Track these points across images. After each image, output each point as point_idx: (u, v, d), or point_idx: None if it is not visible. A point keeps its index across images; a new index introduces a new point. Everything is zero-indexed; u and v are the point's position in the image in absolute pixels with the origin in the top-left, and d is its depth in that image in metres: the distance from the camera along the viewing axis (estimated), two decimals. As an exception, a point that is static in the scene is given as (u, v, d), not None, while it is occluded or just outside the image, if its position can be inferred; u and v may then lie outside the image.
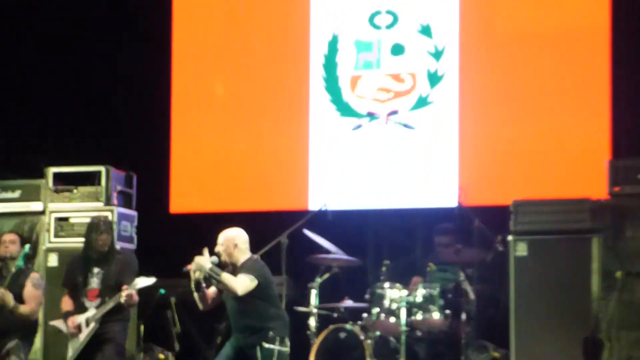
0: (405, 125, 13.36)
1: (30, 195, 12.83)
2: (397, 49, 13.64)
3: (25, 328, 11.20)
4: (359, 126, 13.54)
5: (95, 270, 10.95)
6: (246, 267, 10.44)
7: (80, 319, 10.79)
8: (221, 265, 10.54)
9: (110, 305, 10.73)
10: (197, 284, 10.48)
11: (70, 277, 11.16)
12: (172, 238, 13.35)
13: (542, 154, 12.95)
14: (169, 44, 14.21)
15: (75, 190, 12.88)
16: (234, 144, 14.01)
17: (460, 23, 13.43)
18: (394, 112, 13.47)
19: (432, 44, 13.58)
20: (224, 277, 10.15)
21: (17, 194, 12.85)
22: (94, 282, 10.93)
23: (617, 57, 12.81)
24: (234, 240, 10.66)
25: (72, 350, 10.89)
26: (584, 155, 12.64)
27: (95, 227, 11.14)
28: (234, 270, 10.57)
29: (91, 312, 10.80)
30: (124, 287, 10.67)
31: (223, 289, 10.37)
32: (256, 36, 14.11)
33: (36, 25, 14.48)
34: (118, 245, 11.61)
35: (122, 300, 10.65)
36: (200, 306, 10.76)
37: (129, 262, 11.24)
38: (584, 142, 12.79)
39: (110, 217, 12.01)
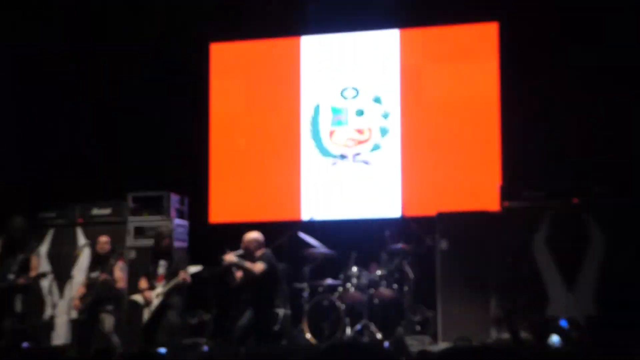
0: (365, 162, 13.38)
1: (117, 211, 12.67)
2: (359, 112, 13.50)
3: (117, 298, 11.33)
4: (335, 163, 13.48)
5: (161, 262, 11.16)
6: (261, 257, 10.70)
7: (152, 294, 10.99)
8: (245, 256, 10.74)
9: (171, 284, 10.92)
10: (228, 269, 10.79)
11: (145, 266, 11.43)
12: (211, 239, 12.89)
13: (457, 182, 12.85)
14: (208, 109, 13.87)
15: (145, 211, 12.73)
16: (251, 177, 13.75)
17: (401, 95, 13.36)
18: (358, 154, 13.43)
19: (382, 109, 13.42)
20: (247, 264, 10.54)
21: (108, 210, 12.69)
22: (160, 270, 11.12)
23: (505, 116, 12.73)
24: (254, 239, 10.91)
25: (146, 314, 11.05)
26: (483, 182, 12.53)
27: (160, 233, 11.39)
28: (253, 259, 10.81)
29: (159, 290, 10.96)
30: (180, 272, 10.91)
31: (246, 271, 10.64)
32: (266, 103, 13.87)
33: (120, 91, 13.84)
34: (176, 244, 11.82)
35: (179, 281, 10.90)
36: (231, 284, 11.00)
37: (183, 256, 11.49)
38: (483, 173, 12.72)
39: (170, 226, 12.05)
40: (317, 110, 13.78)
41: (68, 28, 13.81)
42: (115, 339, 11.01)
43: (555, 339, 9.00)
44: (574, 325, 9.64)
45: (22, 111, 13.83)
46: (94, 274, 11.24)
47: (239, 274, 11.00)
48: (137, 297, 11.31)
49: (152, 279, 11.15)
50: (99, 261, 11.32)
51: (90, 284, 11.22)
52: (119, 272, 11.27)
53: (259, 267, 10.75)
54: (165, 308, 11.05)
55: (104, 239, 11.46)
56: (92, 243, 11.52)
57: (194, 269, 11.05)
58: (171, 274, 11.06)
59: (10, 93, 13.64)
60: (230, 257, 10.74)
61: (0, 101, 13.53)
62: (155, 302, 10.99)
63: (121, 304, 11.50)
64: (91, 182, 13.38)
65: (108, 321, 11.12)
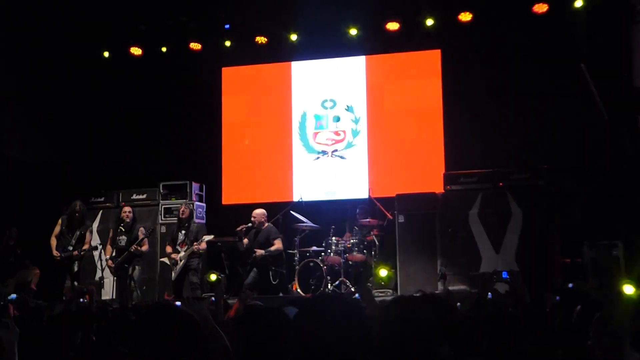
0: (341, 157, 13.41)
1: (151, 196, 12.70)
2: (336, 118, 13.54)
3: (143, 259, 11.37)
4: (318, 157, 13.49)
5: (183, 231, 11.18)
6: (274, 231, 10.95)
7: (177, 256, 11.01)
8: (252, 227, 10.92)
9: (191, 250, 10.93)
10: (240, 238, 10.96)
11: (171, 235, 11.46)
12: (224, 216, 12.88)
13: (411, 170, 12.92)
14: (220, 116, 13.88)
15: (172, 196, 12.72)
16: (254, 168, 13.68)
17: (367, 105, 13.43)
18: (335, 150, 13.45)
19: (353, 115, 13.45)
20: (272, 250, 10.83)
21: (144, 195, 12.72)
22: (181, 238, 11.16)
23: (446, 120, 12.88)
24: (262, 214, 11.08)
25: (174, 273, 11.09)
26: (431, 170, 12.50)
27: (183, 212, 11.36)
28: (259, 231, 11.02)
29: (182, 254, 10.99)
30: (201, 242, 10.98)
31: (266, 235, 10.85)
32: (265, 112, 13.87)
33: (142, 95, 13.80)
34: (196, 221, 11.70)
35: (197, 248, 10.95)
36: (239, 249, 11.20)
37: (201, 228, 11.43)
38: (431, 164, 12.70)
39: (191, 207, 11.84)
40: (304, 117, 13.75)
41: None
42: (137, 293, 11.00)
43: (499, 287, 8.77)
44: (513, 276, 9.52)
45: (79, 114, 13.74)
46: (121, 238, 11.16)
47: (245, 241, 11.12)
48: (166, 260, 11.43)
49: (176, 245, 11.16)
50: (124, 227, 11.23)
51: (118, 248, 11.16)
52: (141, 235, 11.14)
53: (279, 245, 10.99)
54: (187, 270, 11.05)
55: (127, 208, 11.37)
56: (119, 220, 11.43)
57: (207, 237, 11.06)
58: (190, 242, 11.05)
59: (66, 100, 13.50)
60: (260, 252, 10.93)
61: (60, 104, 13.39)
62: (180, 264, 11.00)
63: (144, 263, 11.43)
64: (132, 174, 13.29)
65: (136, 276, 11.11)
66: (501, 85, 12.37)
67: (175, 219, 11.81)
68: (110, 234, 11.43)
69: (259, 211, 11.29)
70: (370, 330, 2.86)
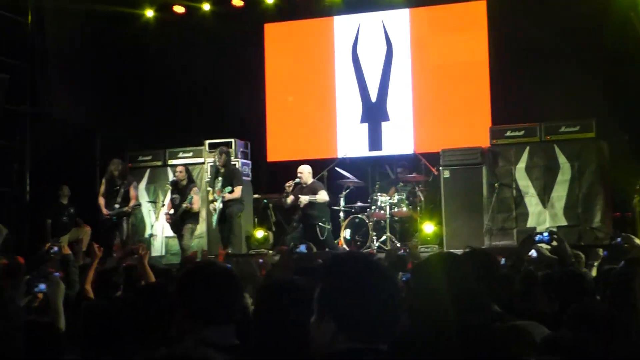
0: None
1: (197, 154, 12.65)
2: None
3: (195, 216, 11.40)
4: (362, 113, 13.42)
5: (219, 178, 11.23)
6: (319, 185, 11.07)
7: (215, 204, 11.14)
8: (299, 183, 11.05)
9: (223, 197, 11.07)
10: (287, 194, 11.04)
11: (212, 184, 11.51)
12: (270, 173, 13.28)
13: (457, 126, 12.77)
14: (264, 74, 13.90)
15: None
16: (298, 125, 13.74)
17: (411, 59, 13.19)
18: None
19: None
20: (317, 198, 10.87)
21: (190, 154, 12.69)
22: (218, 186, 11.21)
23: (493, 73, 12.72)
24: (308, 170, 11.17)
25: (214, 220, 11.26)
26: (477, 125, 12.33)
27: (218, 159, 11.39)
28: (304, 187, 11.10)
29: (218, 202, 11.08)
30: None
31: (312, 190, 10.90)
32: (308, 67, 13.81)
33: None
34: (243, 179, 11.71)
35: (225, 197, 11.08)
36: (285, 205, 11.34)
37: (236, 173, 11.47)
38: (477, 118, 12.57)
39: (226, 152, 11.46)
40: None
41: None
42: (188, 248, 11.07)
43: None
44: (553, 236, 9.58)
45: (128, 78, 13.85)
46: (175, 196, 11.30)
47: (291, 198, 11.19)
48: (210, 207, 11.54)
49: (214, 192, 11.27)
50: (177, 186, 11.35)
51: (173, 205, 11.31)
52: (195, 196, 11.21)
53: (324, 195, 11.04)
54: (225, 217, 11.10)
55: (180, 168, 11.48)
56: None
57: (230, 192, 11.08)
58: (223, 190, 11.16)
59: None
60: (304, 198, 11.00)
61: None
62: (218, 210, 11.10)
63: (196, 219, 11.46)
64: (177, 133, 13.24)
65: (187, 236, 11.20)
66: (548, 37, 12.15)
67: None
68: (168, 194, 11.63)
69: (304, 167, 11.35)
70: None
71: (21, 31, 12.20)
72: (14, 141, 12.13)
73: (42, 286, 5.31)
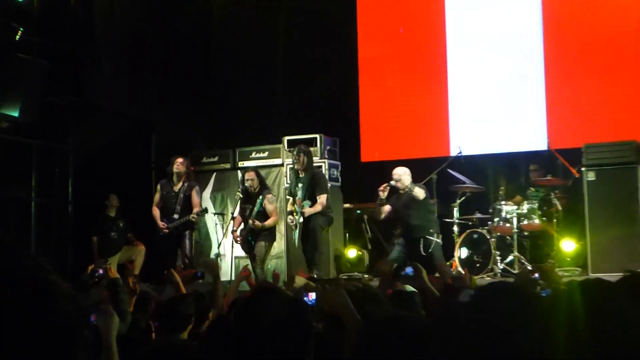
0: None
1: (273, 154, 12.64)
2: None
3: (271, 233, 11.14)
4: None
5: (300, 184, 11.00)
6: (417, 185, 10.85)
7: (294, 217, 10.99)
8: (395, 187, 10.84)
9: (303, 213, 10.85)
10: (382, 201, 10.70)
11: (291, 192, 11.33)
12: (364, 177, 13.00)
13: (603, 115, 12.39)
14: (356, 54, 13.82)
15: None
16: (400, 116, 13.45)
17: (544, 35, 12.87)
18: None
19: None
20: (414, 193, 10.65)
21: (265, 154, 12.67)
22: (299, 193, 10.97)
23: None
24: (407, 173, 10.86)
25: (296, 236, 11.04)
26: (630, 113, 12.06)
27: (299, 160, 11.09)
28: (402, 193, 10.92)
29: (298, 215, 10.90)
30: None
31: (411, 196, 10.65)
32: (411, 44, 13.62)
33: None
34: (329, 185, 11.42)
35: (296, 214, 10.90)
36: (376, 217, 11.17)
37: (321, 181, 11.23)
38: (629, 103, 12.21)
39: (305, 151, 11.25)
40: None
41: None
42: (259, 272, 10.74)
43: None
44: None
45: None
46: (245, 205, 10.91)
47: (386, 208, 10.88)
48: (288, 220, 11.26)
49: (294, 203, 11.04)
50: (249, 196, 10.91)
51: (243, 218, 10.93)
52: (269, 205, 10.83)
53: (419, 190, 10.72)
54: (307, 232, 10.91)
55: (250, 173, 11.08)
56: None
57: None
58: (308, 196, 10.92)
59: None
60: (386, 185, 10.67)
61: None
62: (299, 225, 10.93)
63: (273, 236, 11.23)
64: (251, 127, 13.52)
65: (259, 253, 10.82)
66: None
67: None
68: (237, 204, 11.26)
69: (401, 169, 10.90)
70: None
71: (63, 8, 12.11)
72: (55, 140, 11.95)
73: (91, 318, 5.05)
